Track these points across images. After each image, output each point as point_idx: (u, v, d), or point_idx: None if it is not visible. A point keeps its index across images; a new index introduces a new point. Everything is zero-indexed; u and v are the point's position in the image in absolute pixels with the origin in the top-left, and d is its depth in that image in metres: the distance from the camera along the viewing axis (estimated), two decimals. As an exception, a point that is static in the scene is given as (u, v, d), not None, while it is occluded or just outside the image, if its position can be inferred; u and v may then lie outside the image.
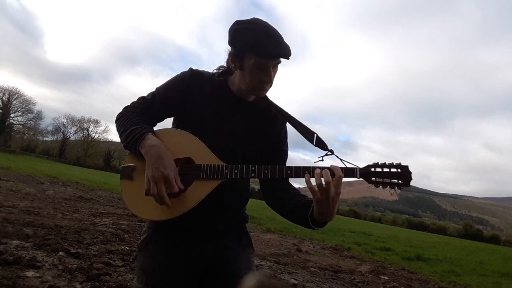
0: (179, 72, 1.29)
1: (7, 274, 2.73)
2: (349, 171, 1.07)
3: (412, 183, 1.06)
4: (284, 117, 1.30)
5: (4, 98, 53.41)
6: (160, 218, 1.15)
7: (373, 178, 1.07)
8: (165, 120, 1.34)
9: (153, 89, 1.29)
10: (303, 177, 1.06)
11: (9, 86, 54.44)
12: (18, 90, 56.51)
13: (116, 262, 3.69)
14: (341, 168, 1.06)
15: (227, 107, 1.24)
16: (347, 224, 21.37)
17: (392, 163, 1.07)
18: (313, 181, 1.03)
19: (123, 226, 5.96)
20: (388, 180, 1.06)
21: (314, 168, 1.06)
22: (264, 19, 1.19)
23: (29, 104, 55.87)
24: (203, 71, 1.30)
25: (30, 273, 2.88)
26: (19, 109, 55.47)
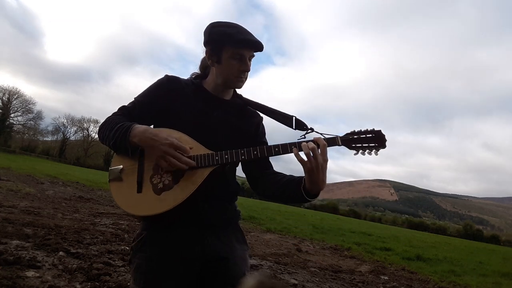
0: (156, 80, 1.33)
1: (7, 274, 2.73)
2: (331, 140, 1.16)
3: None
4: (260, 108, 1.38)
5: (4, 98, 53.49)
6: (158, 211, 1.14)
7: (353, 144, 1.16)
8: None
9: (132, 99, 1.32)
10: (291, 152, 1.13)
11: (9, 86, 54.51)
12: (18, 90, 56.59)
13: (116, 262, 3.69)
14: (324, 138, 1.16)
15: (206, 106, 1.29)
16: (347, 224, 21.37)
17: (367, 129, 1.17)
18: (301, 154, 1.11)
19: (123, 226, 5.96)
20: (366, 145, 1.16)
21: (300, 142, 1.14)
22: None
23: (29, 104, 55.97)
24: (178, 76, 1.36)
25: (30, 273, 2.88)
26: (19, 109, 55.56)
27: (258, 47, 1.25)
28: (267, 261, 5.43)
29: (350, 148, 1.16)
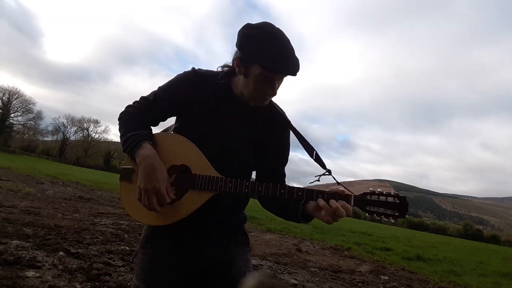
0: (182, 72, 1.27)
1: (7, 274, 2.73)
2: (342, 198, 1.06)
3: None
4: (287, 125, 1.29)
5: (4, 98, 53.49)
6: (154, 223, 1.18)
7: (368, 207, 1.05)
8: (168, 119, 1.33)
9: (155, 89, 1.28)
10: (297, 199, 1.10)
11: (9, 86, 54.56)
12: (18, 90, 56.63)
13: (116, 262, 3.69)
14: (336, 193, 1.06)
15: (228, 110, 1.23)
16: (347, 224, 21.34)
17: (390, 193, 1.05)
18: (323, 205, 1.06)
19: (123, 226, 5.96)
20: (383, 210, 1.04)
21: (329, 196, 1.06)
22: (260, 20, 1.18)
23: (29, 104, 55.99)
24: (206, 70, 1.27)
25: (30, 273, 2.88)
26: (19, 109, 55.56)
27: (292, 72, 1.11)
28: (267, 261, 5.43)
29: (363, 210, 1.06)
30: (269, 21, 1.16)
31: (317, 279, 4.90)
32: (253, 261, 5.09)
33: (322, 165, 1.20)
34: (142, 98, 1.28)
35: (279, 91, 1.19)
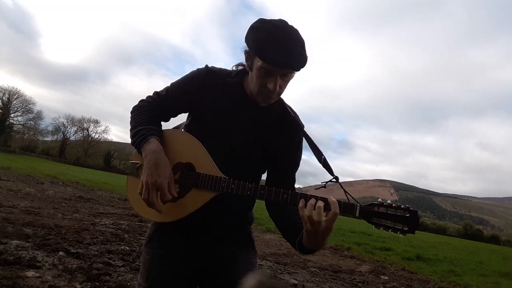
0: (195, 69, 1.26)
1: (7, 274, 2.73)
2: (347, 207, 0.98)
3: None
4: (298, 128, 1.24)
5: (4, 98, 53.47)
6: (157, 220, 1.19)
7: (374, 220, 0.98)
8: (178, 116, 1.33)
9: (168, 85, 1.29)
10: (297, 204, 1.01)
11: (9, 86, 54.52)
12: (18, 90, 56.58)
13: (116, 262, 3.69)
14: (340, 202, 0.98)
15: (238, 109, 1.20)
16: (347, 224, 21.34)
17: (400, 205, 0.97)
18: (306, 210, 0.97)
19: (123, 226, 5.96)
20: (391, 224, 0.96)
21: (311, 196, 1.00)
22: (255, 20, 1.15)
23: (29, 104, 55.95)
24: (220, 69, 1.25)
25: (30, 273, 2.88)
26: (19, 109, 55.53)
27: (290, 66, 1.05)
28: (267, 261, 5.43)
29: (369, 222, 0.98)
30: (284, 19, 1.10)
31: (317, 279, 4.90)
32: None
33: (330, 171, 1.15)
34: (155, 93, 1.29)
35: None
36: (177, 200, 1.15)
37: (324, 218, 0.96)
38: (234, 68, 1.26)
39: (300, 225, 1.04)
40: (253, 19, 1.10)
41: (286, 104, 1.26)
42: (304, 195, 1.02)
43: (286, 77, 1.10)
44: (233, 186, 1.11)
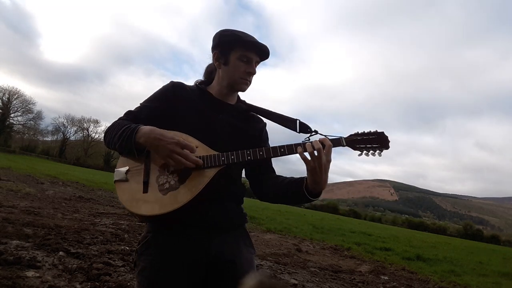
0: (161, 86, 1.36)
1: (7, 274, 2.73)
2: (336, 141, 1.18)
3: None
4: (264, 113, 1.40)
5: (4, 98, 53.45)
6: (163, 211, 1.13)
7: (356, 145, 1.18)
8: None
9: (138, 104, 1.33)
10: (296, 152, 1.14)
11: (9, 86, 54.51)
12: (18, 90, 56.59)
13: (116, 262, 3.69)
14: (328, 137, 1.17)
15: (211, 109, 1.31)
16: (347, 224, 21.35)
17: (370, 131, 1.20)
18: (306, 154, 1.12)
19: (123, 226, 5.96)
20: (369, 145, 1.18)
21: (304, 143, 1.15)
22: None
23: (29, 104, 55.89)
24: (183, 82, 1.39)
25: (30, 273, 2.88)
26: (19, 109, 55.48)
27: (265, 51, 1.30)
28: (267, 261, 5.43)
29: (354, 148, 1.18)
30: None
31: (317, 279, 4.90)
32: (253, 261, 5.10)
33: (308, 129, 1.28)
34: (127, 112, 1.32)
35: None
36: (179, 187, 1.15)
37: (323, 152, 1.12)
38: (194, 84, 1.41)
39: (299, 179, 1.23)
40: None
41: (248, 102, 1.43)
42: (298, 144, 1.16)
43: (257, 65, 1.32)
44: (232, 156, 1.18)
